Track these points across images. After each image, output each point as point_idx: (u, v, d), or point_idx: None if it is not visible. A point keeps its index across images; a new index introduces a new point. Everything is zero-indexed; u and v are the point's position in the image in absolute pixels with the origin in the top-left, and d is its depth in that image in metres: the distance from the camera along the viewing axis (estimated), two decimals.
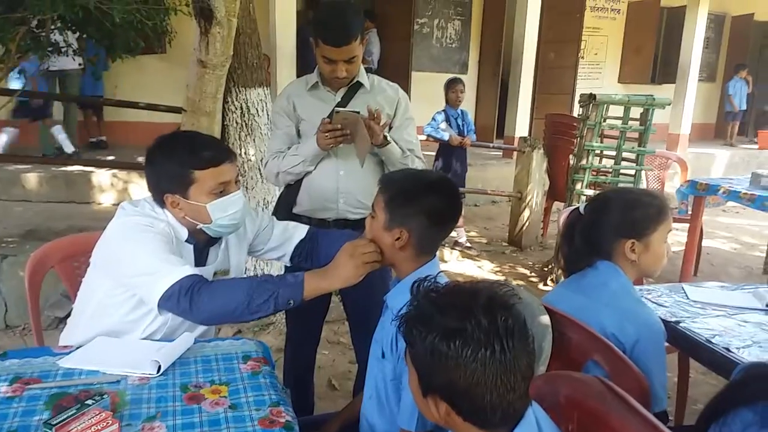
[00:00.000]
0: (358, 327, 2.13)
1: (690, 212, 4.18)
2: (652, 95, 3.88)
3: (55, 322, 3.16)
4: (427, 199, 1.30)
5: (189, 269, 1.39)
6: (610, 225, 1.50)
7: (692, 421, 2.40)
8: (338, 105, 1.94)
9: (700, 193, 4.06)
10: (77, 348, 1.43)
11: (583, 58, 9.21)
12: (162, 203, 1.51)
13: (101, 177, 4.74)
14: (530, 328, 0.91)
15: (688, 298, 1.94)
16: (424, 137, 4.63)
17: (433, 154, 4.82)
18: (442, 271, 1.36)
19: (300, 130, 2.03)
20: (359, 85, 1.99)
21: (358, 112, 1.83)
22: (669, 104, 4.08)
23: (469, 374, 0.84)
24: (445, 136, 4.59)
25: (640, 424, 0.96)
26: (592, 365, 1.36)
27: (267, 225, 1.74)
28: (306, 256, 1.74)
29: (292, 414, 1.23)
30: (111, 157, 5.91)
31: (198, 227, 1.51)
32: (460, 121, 4.75)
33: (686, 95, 8.46)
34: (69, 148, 5.39)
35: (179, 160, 1.46)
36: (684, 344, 1.70)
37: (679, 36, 8.77)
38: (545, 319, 1.34)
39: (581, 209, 1.58)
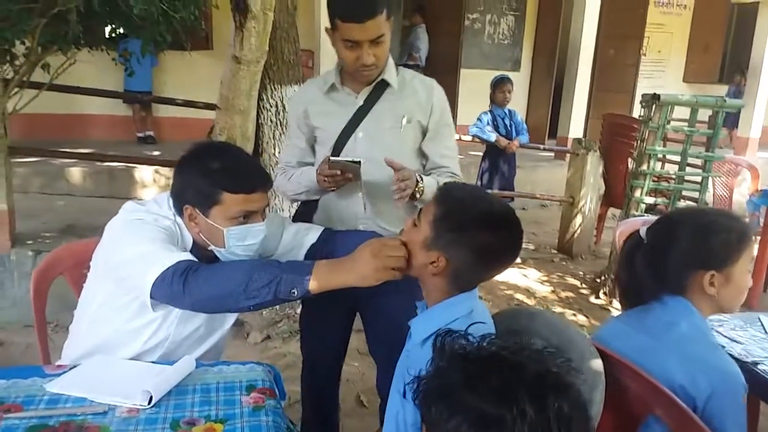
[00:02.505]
0: (376, 346, 1.88)
1: (762, 224, 3.81)
2: (723, 97, 3.54)
3: None
4: (482, 234, 1.09)
5: (188, 255, 1.26)
6: (681, 254, 1.25)
7: None
8: (360, 109, 1.67)
9: None
10: (70, 369, 1.31)
11: (645, 55, 8.71)
12: (180, 212, 1.39)
13: (144, 172, 4.75)
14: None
15: (766, 332, 1.67)
16: (469, 138, 4.42)
17: (480, 154, 4.60)
18: (480, 297, 1.16)
19: (317, 139, 1.77)
20: (385, 84, 1.66)
21: (359, 162, 1.53)
22: (742, 107, 3.72)
23: None
24: (492, 137, 4.36)
25: None
26: (653, 421, 1.13)
27: (277, 229, 1.59)
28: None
29: None
30: (157, 153, 5.96)
31: (209, 248, 1.39)
32: (507, 121, 4.51)
33: (757, 96, 7.86)
34: None
35: (211, 177, 1.33)
36: (762, 390, 1.44)
37: (749, 33, 8.17)
38: (597, 363, 1.13)
39: (642, 233, 1.34)
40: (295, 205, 1.92)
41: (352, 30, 1.51)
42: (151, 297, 1.24)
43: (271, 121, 3.10)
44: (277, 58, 3.02)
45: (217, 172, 1.33)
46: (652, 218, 2.75)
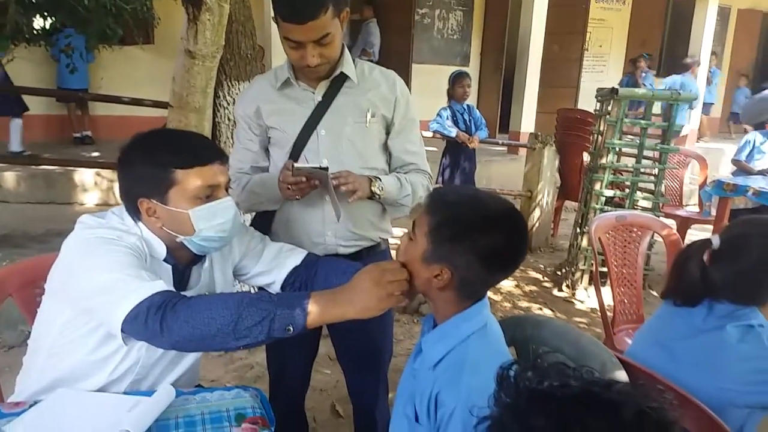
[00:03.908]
0: (346, 355, 1.79)
1: (714, 214, 3.94)
2: (677, 90, 3.62)
3: None
4: (486, 237, 1.00)
5: (162, 285, 1.12)
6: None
7: None
8: (320, 104, 1.53)
9: (726, 193, 3.80)
10: (30, 407, 1.15)
11: (587, 50, 8.94)
12: (136, 213, 1.24)
13: (84, 176, 4.45)
14: None
15: None
16: (430, 134, 4.37)
17: (435, 149, 4.56)
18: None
19: (271, 139, 1.61)
20: (344, 77, 1.54)
21: (326, 169, 1.41)
22: (695, 99, 3.82)
23: None
24: (453, 133, 4.32)
25: None
26: None
27: (258, 244, 1.47)
28: (300, 286, 1.44)
29: None
30: (96, 153, 5.61)
31: (178, 240, 1.25)
32: (466, 116, 4.48)
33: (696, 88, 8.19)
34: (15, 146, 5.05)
35: (158, 158, 1.20)
36: None
37: (685, 28, 8.53)
38: (621, 375, 1.07)
39: (715, 243, 1.30)
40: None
41: (292, 30, 1.37)
42: (123, 332, 1.09)
43: (229, 119, 2.93)
44: (234, 53, 2.85)
45: (163, 153, 1.21)
46: (626, 212, 2.78)
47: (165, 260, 1.28)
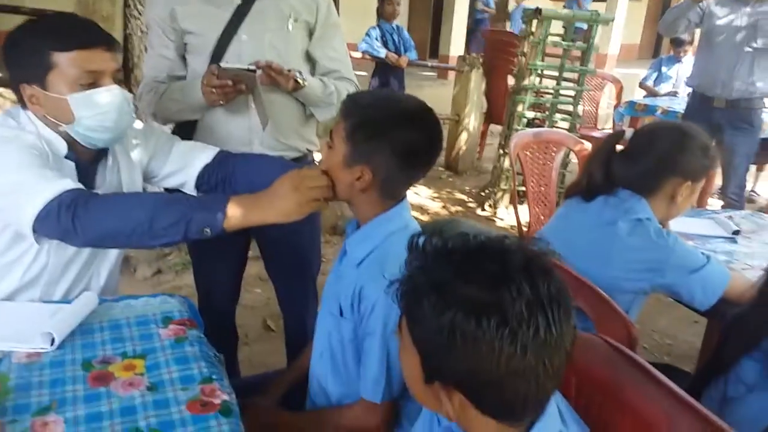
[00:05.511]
0: (275, 269, 1.82)
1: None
2: (596, 11, 3.70)
3: None
4: (401, 134, 1.03)
5: (70, 183, 1.10)
6: (664, 159, 1.35)
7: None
8: (239, 8, 1.49)
9: (638, 113, 4.02)
10: None
11: None
12: (22, 101, 1.18)
13: None
14: None
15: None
16: (359, 54, 4.30)
17: (365, 74, 4.51)
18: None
19: (188, 46, 1.55)
20: None
21: (254, 71, 1.39)
22: (613, 20, 3.93)
23: (503, 361, 0.63)
24: (382, 53, 4.26)
25: (659, 394, 0.80)
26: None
27: (165, 143, 1.42)
28: (216, 185, 1.41)
29: (230, 390, 1.01)
30: None
31: (61, 129, 1.19)
32: (396, 37, 4.42)
33: (616, 14, 8.40)
34: None
35: (37, 39, 1.14)
36: None
37: None
38: None
39: (627, 135, 1.43)
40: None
41: None
42: (35, 232, 1.07)
43: (141, 30, 2.76)
44: None
45: (42, 33, 1.15)
46: (543, 129, 2.90)
47: (67, 157, 1.22)
